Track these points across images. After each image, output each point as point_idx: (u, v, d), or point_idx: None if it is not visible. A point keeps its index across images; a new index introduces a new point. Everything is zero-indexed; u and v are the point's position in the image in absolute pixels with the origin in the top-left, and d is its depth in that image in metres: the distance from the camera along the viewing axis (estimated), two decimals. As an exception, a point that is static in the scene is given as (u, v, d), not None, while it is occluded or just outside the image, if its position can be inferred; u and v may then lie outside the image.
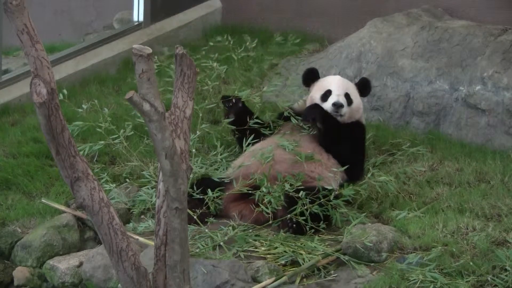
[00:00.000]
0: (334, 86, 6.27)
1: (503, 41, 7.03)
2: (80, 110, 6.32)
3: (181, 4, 8.89)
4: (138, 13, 8.57)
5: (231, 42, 6.78)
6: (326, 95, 6.24)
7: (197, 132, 6.26)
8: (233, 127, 6.35)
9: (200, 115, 6.38)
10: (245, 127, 6.24)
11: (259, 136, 6.19)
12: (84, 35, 9.45)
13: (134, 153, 6.27)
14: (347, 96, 6.25)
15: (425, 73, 7.16)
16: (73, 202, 5.92)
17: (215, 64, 6.39)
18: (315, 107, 6.22)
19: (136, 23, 8.57)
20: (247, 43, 6.84)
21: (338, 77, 6.50)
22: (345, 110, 6.20)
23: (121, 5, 9.24)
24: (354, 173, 6.10)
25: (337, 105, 6.17)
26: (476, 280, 4.87)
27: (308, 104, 6.31)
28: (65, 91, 6.12)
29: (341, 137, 6.14)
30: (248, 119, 6.26)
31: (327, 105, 6.20)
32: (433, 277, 4.85)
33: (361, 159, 6.27)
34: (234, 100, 6.36)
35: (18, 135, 6.80)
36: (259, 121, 6.30)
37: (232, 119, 6.35)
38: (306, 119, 6.17)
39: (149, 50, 3.57)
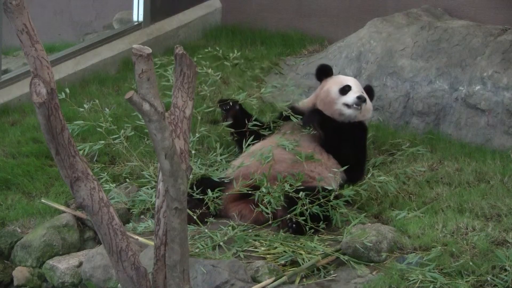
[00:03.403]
0: (353, 83, 6.36)
1: (503, 41, 7.03)
2: (81, 109, 6.32)
3: (181, 4, 8.89)
4: (138, 13, 8.58)
5: (220, 51, 6.77)
6: (345, 89, 6.28)
7: (197, 134, 6.26)
8: (232, 130, 6.35)
9: (199, 118, 6.38)
10: (244, 129, 6.24)
11: (258, 137, 6.18)
12: (84, 35, 9.46)
13: (134, 153, 6.26)
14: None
15: (425, 73, 7.15)
16: (73, 202, 5.92)
17: (210, 70, 6.39)
18: (315, 112, 6.22)
19: (135, 23, 8.58)
20: (233, 54, 6.81)
21: (352, 77, 6.61)
22: (364, 106, 6.23)
23: (121, 5, 9.25)
24: (354, 174, 6.09)
25: (361, 99, 6.22)
26: (475, 280, 4.86)
27: (322, 95, 6.30)
28: (67, 90, 6.13)
29: (341, 139, 6.14)
30: (246, 122, 6.26)
31: (350, 98, 6.22)
32: (433, 277, 4.84)
33: (362, 159, 6.26)
34: (231, 103, 6.36)
35: (17, 135, 6.80)
36: (258, 122, 6.30)
37: (230, 122, 6.35)
38: (305, 125, 6.16)
39: (148, 50, 3.57)
